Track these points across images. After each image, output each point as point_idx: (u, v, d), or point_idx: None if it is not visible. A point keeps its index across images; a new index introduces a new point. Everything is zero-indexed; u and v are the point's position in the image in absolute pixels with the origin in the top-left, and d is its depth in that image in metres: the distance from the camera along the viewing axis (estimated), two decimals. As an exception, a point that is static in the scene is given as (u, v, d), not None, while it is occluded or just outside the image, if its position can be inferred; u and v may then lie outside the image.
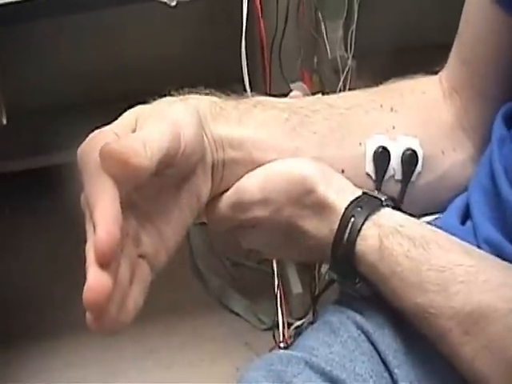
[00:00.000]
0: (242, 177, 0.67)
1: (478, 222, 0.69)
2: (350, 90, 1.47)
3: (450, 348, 0.60)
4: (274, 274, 1.56)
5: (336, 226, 0.64)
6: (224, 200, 0.67)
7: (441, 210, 0.76)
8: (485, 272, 0.60)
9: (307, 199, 0.65)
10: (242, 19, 1.23)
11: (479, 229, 0.69)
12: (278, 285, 1.47)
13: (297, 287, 1.77)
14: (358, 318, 0.66)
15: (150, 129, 0.58)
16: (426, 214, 0.75)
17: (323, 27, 1.52)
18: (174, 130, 0.58)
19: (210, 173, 0.65)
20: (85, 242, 0.58)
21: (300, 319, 1.67)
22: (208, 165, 0.65)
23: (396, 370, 0.63)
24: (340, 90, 1.47)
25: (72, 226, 2.12)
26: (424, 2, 2.08)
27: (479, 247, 0.67)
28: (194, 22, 2.05)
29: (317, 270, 1.30)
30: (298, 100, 0.74)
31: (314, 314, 0.71)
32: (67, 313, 1.84)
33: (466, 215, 0.72)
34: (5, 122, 1.33)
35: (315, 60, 1.65)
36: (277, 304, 1.47)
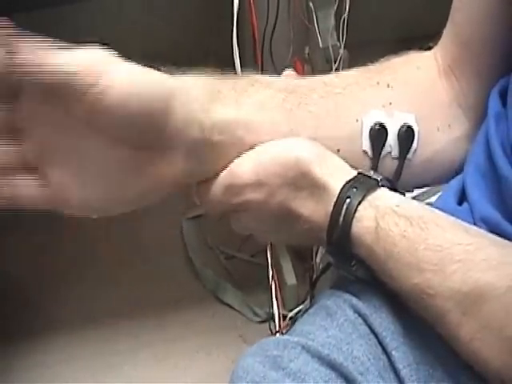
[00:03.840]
0: (232, 160, 0.66)
1: (474, 201, 0.69)
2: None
3: (449, 329, 0.59)
4: (268, 265, 1.56)
5: (331, 208, 0.63)
6: (217, 183, 0.67)
7: (435, 184, 0.76)
8: (483, 250, 0.59)
9: (301, 181, 0.64)
10: (232, 8, 1.23)
11: (476, 207, 0.68)
12: (273, 276, 1.46)
13: (291, 279, 1.76)
14: (355, 301, 0.66)
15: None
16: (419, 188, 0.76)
17: (315, 16, 1.51)
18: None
19: (195, 153, 0.65)
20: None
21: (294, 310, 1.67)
22: (190, 143, 0.64)
23: (394, 352, 0.62)
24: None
25: (72, 224, 2.10)
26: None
27: (476, 226, 0.66)
28: (185, 10, 2.04)
29: (314, 255, 1.29)
30: (296, 79, 0.74)
31: (311, 301, 0.70)
32: (60, 307, 1.84)
33: (462, 196, 0.72)
34: None
35: (307, 50, 1.64)
36: (272, 295, 1.46)
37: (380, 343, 0.63)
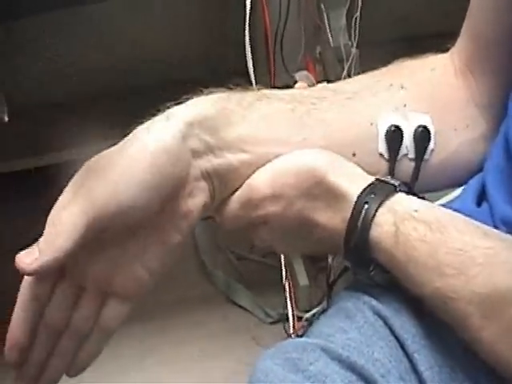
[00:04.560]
0: (250, 176, 0.67)
1: (494, 203, 0.69)
2: (354, 77, 1.47)
3: (470, 332, 0.59)
4: (281, 266, 1.56)
5: (349, 214, 0.63)
6: (235, 199, 0.68)
7: (453, 186, 0.75)
8: (503, 253, 0.59)
9: (318, 190, 0.64)
10: (245, 10, 1.22)
11: (496, 209, 0.68)
12: (286, 276, 1.46)
13: (303, 280, 1.76)
14: (374, 302, 0.65)
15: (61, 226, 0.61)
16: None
17: (326, 16, 1.51)
18: (90, 215, 0.61)
19: (204, 187, 0.66)
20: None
21: (307, 311, 1.67)
22: (192, 184, 0.65)
23: (415, 355, 0.62)
24: (344, 79, 1.46)
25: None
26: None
27: (496, 228, 0.66)
28: (192, 15, 2.04)
29: (332, 257, 1.28)
30: (303, 90, 0.74)
31: (328, 302, 0.70)
32: None
33: (481, 197, 0.71)
34: (7, 119, 1.30)
35: (318, 49, 1.64)
36: (285, 296, 1.46)
37: (401, 346, 0.63)
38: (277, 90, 0.71)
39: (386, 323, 0.64)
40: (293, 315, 1.45)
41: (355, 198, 0.63)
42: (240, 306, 1.85)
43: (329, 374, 0.59)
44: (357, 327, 0.64)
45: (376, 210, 0.62)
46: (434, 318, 0.62)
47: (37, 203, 2.05)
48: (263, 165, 0.67)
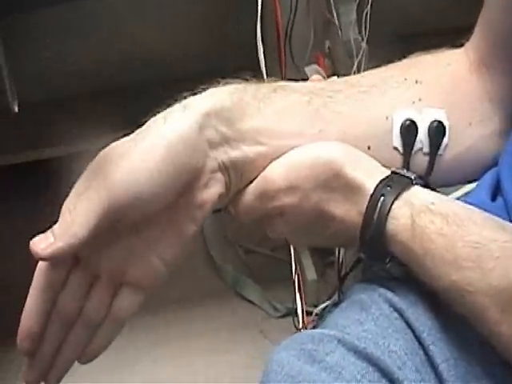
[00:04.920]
0: (265, 167, 0.67)
1: (509, 197, 0.68)
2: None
3: (489, 326, 0.59)
4: (289, 261, 1.56)
5: (365, 207, 0.63)
6: (250, 191, 0.68)
7: (468, 181, 0.75)
8: None
9: (335, 183, 0.65)
10: (257, 4, 1.23)
11: (511, 204, 0.68)
12: (296, 271, 1.46)
13: (311, 274, 1.77)
14: (390, 295, 0.66)
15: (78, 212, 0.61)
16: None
17: (334, 10, 1.51)
18: (106, 203, 0.61)
19: (220, 179, 0.66)
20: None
21: (315, 306, 1.67)
22: (207, 175, 0.65)
23: (431, 347, 0.62)
24: (354, 74, 1.46)
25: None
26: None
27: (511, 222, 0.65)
28: (193, 13, 2.04)
29: (338, 251, 1.29)
30: (319, 82, 0.74)
31: (339, 295, 0.70)
32: None
33: (496, 191, 0.71)
34: (16, 109, 1.31)
35: (327, 43, 1.64)
36: (294, 290, 1.46)
37: (417, 338, 0.63)
38: (292, 82, 0.71)
39: (401, 315, 0.64)
40: (302, 309, 1.46)
41: (371, 191, 0.63)
42: (248, 300, 1.86)
43: (345, 366, 0.59)
44: (372, 319, 0.64)
45: (392, 203, 0.62)
46: (451, 311, 0.62)
47: (37, 201, 2.07)
48: (279, 157, 0.67)
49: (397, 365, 0.60)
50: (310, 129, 0.68)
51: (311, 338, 0.62)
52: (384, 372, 0.59)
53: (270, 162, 0.67)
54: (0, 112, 1.38)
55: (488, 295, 0.58)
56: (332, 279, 1.77)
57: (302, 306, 1.44)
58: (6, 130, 1.92)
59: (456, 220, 0.61)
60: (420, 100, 0.72)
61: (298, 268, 1.60)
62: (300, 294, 1.45)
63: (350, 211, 0.65)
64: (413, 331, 0.63)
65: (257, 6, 1.23)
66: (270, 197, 0.67)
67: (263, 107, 0.67)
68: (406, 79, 0.73)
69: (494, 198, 0.71)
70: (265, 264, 1.94)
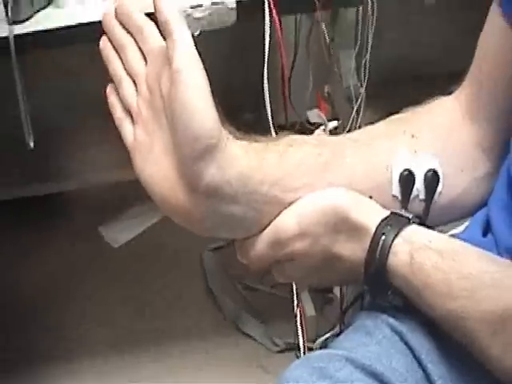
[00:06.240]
0: (276, 216, 0.72)
1: (498, 233, 0.74)
2: (363, 117, 1.52)
3: (481, 348, 0.64)
4: (291, 296, 1.59)
5: (368, 245, 0.69)
6: (262, 238, 0.72)
7: (460, 220, 0.81)
8: (510, 277, 0.65)
9: (341, 226, 0.70)
10: (264, 51, 1.28)
11: (500, 239, 0.74)
12: (298, 306, 1.50)
13: (310, 311, 1.80)
14: (391, 320, 0.71)
15: None
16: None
17: (336, 57, 1.56)
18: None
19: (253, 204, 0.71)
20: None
21: (313, 341, 1.69)
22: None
23: (429, 365, 0.68)
24: (353, 118, 1.51)
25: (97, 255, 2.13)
26: (432, 34, 2.14)
27: (501, 256, 0.71)
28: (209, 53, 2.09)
29: (345, 287, 1.33)
30: (327, 137, 0.81)
31: (340, 326, 0.76)
32: (82, 333, 1.87)
33: (486, 228, 0.77)
34: (32, 145, 1.33)
35: (326, 88, 1.69)
36: (296, 325, 1.50)
37: (416, 358, 0.69)
38: (303, 135, 0.77)
39: (402, 338, 0.70)
40: (303, 342, 1.49)
41: (373, 230, 0.69)
42: (248, 335, 1.88)
43: (354, 380, 0.65)
44: (376, 342, 0.70)
45: (392, 240, 0.68)
46: (447, 337, 0.67)
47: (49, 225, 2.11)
48: (288, 206, 0.71)
49: (399, 380, 0.66)
50: (320, 181, 0.73)
51: (321, 358, 0.68)
52: None
53: (279, 211, 0.71)
54: (16, 147, 1.41)
55: (480, 321, 0.63)
56: (330, 315, 1.79)
57: (303, 339, 1.47)
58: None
59: (451, 255, 0.66)
60: (416, 152, 0.77)
61: (297, 304, 1.63)
62: (302, 329, 1.49)
63: (355, 250, 0.70)
64: (412, 352, 0.69)
65: (263, 56, 1.28)
66: (282, 244, 0.71)
67: (282, 161, 0.72)
68: (404, 132, 0.78)
69: (484, 235, 0.77)
70: (265, 300, 1.96)
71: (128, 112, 0.74)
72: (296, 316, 1.47)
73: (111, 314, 1.94)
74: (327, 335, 1.54)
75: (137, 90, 0.73)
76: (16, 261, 2.05)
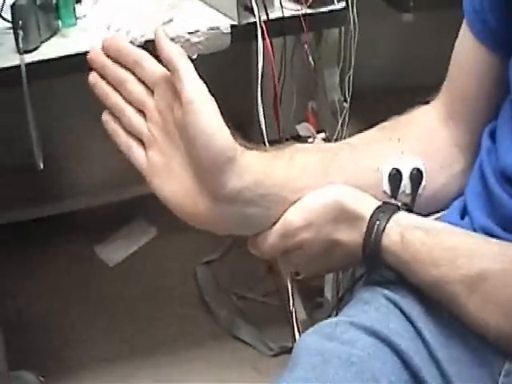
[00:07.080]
0: (284, 212, 0.82)
1: (474, 215, 0.85)
2: (347, 129, 1.60)
3: (459, 306, 0.75)
4: (285, 302, 1.65)
5: (365, 229, 0.80)
6: (274, 232, 0.82)
7: (442, 210, 0.91)
8: (484, 247, 0.76)
9: (341, 217, 0.81)
10: (257, 69, 1.35)
11: (475, 220, 0.85)
12: (290, 311, 1.57)
13: (301, 315, 1.87)
14: (386, 291, 0.82)
15: None
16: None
17: (320, 74, 1.62)
18: None
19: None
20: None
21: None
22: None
23: (419, 324, 0.78)
24: (339, 131, 1.60)
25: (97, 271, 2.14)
26: (410, 49, 2.24)
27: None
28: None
29: (340, 275, 1.40)
30: (327, 144, 0.94)
31: (337, 314, 0.86)
32: (79, 352, 1.89)
33: (463, 212, 0.88)
34: (41, 166, 1.36)
35: (310, 104, 1.74)
36: (293, 327, 1.56)
37: (408, 320, 0.79)
38: (305, 144, 0.89)
39: (395, 305, 0.81)
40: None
41: (369, 217, 0.80)
42: (243, 341, 1.94)
43: (358, 339, 0.76)
44: (374, 308, 0.80)
45: (385, 224, 0.79)
46: (433, 301, 0.78)
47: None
48: (293, 203, 0.82)
49: (396, 338, 0.77)
50: (321, 182, 0.83)
51: (329, 325, 0.79)
52: (387, 341, 0.76)
53: (285, 209, 0.82)
54: (25, 169, 1.44)
55: (459, 283, 0.74)
56: (320, 319, 1.85)
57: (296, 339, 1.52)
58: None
59: (435, 232, 0.78)
60: (402, 153, 0.88)
61: (289, 309, 1.70)
62: (298, 331, 1.56)
63: (353, 236, 0.80)
64: (405, 315, 0.80)
65: (257, 77, 1.34)
66: (291, 235, 0.81)
67: (289, 167, 0.82)
68: (390, 138, 0.90)
69: (462, 218, 0.88)
70: (257, 308, 2.02)
71: (133, 137, 0.82)
72: (292, 319, 1.53)
73: (112, 327, 1.98)
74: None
75: (144, 118, 0.81)
76: (14, 282, 2.08)
